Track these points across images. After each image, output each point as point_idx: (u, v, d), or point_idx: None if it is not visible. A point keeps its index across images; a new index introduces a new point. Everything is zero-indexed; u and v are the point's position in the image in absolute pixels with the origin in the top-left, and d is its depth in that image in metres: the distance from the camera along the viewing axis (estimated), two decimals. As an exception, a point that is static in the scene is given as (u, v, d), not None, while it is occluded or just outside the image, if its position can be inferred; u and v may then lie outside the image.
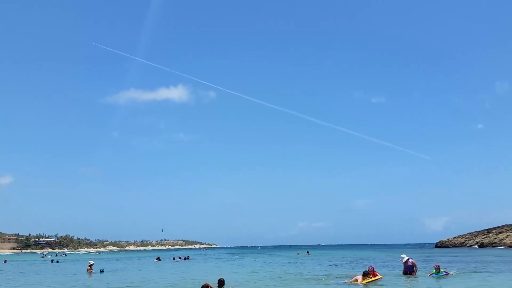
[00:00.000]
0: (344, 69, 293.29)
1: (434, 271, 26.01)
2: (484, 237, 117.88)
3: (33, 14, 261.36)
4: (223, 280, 18.84)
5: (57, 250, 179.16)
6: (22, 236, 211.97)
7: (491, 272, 28.73)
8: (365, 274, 23.09)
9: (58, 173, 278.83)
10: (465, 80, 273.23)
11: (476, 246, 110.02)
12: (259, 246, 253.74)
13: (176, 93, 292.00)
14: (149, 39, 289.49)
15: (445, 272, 26.21)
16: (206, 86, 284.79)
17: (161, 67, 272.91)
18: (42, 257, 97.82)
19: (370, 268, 24.22)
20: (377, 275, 24.27)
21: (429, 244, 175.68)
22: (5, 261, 68.10)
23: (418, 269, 27.17)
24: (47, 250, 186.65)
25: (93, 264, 37.27)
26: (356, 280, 22.94)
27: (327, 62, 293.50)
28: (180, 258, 64.94)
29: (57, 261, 64.85)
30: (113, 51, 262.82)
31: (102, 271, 36.00)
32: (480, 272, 29.23)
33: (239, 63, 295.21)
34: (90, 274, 34.89)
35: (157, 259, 61.04)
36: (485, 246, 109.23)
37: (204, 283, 18.70)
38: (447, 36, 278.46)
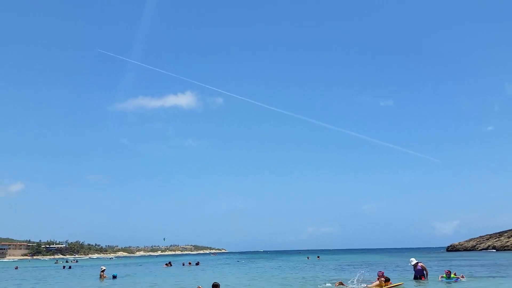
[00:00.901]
0: (352, 73, 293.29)
1: (445, 275, 25.64)
2: (496, 240, 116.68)
3: (36, 24, 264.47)
4: (217, 284, 18.85)
5: (67, 256, 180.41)
6: (33, 242, 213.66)
7: (504, 277, 28.43)
8: (387, 280, 22.87)
9: (68, 180, 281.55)
10: (473, 82, 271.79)
11: (494, 250, 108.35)
12: (268, 251, 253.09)
13: (184, 100, 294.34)
14: (154, 45, 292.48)
15: (456, 277, 25.66)
16: (213, 92, 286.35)
17: (168, 73, 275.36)
18: (56, 262, 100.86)
19: (380, 272, 24.16)
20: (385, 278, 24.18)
21: (440, 248, 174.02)
22: (16, 267, 68.68)
23: (429, 273, 26.92)
24: (58, 256, 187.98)
25: (105, 269, 37.58)
26: (378, 285, 22.77)
27: (334, 66, 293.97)
28: (189, 263, 65.07)
29: (69, 267, 65.43)
30: (120, 57, 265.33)
31: (114, 276, 36.27)
32: (493, 276, 28.94)
33: (246, 68, 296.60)
34: (103, 280, 35.17)
35: (167, 264, 61.23)
36: (498, 250, 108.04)
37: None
38: (454, 37, 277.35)
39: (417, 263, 26.58)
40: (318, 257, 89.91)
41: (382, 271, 25.09)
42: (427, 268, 26.94)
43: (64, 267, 65.51)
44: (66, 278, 39.85)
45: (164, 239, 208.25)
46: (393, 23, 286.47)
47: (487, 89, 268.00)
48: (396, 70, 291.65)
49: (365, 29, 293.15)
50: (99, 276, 37.08)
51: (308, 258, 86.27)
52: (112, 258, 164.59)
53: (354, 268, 44.35)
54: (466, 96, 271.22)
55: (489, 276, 28.96)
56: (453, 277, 25.54)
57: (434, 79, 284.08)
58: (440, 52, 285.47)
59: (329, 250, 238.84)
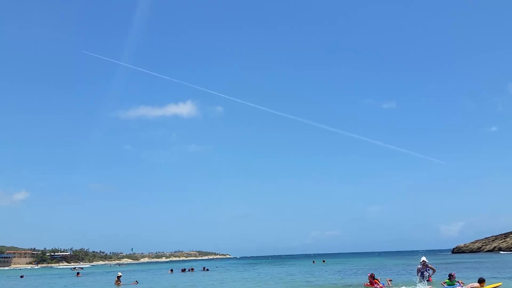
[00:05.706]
0: (354, 76, 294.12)
1: (447, 280, 24.17)
2: (502, 242, 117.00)
3: (34, 37, 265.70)
4: None
5: (72, 264, 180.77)
6: (38, 250, 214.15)
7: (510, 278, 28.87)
8: (481, 281, 22.13)
9: (71, 188, 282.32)
10: (476, 83, 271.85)
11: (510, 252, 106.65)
12: (270, 256, 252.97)
13: (185, 108, 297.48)
14: (154, 52, 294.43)
15: (458, 282, 23.94)
16: (213, 101, 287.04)
17: (170, 78, 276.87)
18: (73, 269, 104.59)
19: (370, 274, 25.14)
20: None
21: (445, 250, 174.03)
22: (22, 276, 68.80)
23: (436, 272, 26.66)
24: (63, 264, 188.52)
25: (121, 276, 38.12)
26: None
27: (337, 69, 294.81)
28: (192, 269, 65.50)
29: (78, 273, 66.59)
30: (123, 64, 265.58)
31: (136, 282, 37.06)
32: (503, 279, 29.36)
33: (247, 73, 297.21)
34: (119, 286, 35.75)
35: (182, 270, 62.32)
36: (503, 251, 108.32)
37: None
38: (456, 38, 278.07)
39: (426, 264, 26.30)
40: (324, 261, 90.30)
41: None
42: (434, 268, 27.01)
43: (78, 274, 66.50)
44: (83, 285, 40.40)
45: (132, 250, 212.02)
46: (396, 25, 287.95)
47: (490, 90, 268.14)
48: (398, 73, 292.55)
49: (367, 31, 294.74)
50: (114, 283, 37.63)
51: (313, 262, 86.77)
52: (120, 264, 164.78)
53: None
54: (469, 97, 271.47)
55: (494, 277, 29.31)
56: (456, 282, 23.77)
57: (437, 81, 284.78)
58: (443, 53, 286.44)
59: (334, 253, 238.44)
